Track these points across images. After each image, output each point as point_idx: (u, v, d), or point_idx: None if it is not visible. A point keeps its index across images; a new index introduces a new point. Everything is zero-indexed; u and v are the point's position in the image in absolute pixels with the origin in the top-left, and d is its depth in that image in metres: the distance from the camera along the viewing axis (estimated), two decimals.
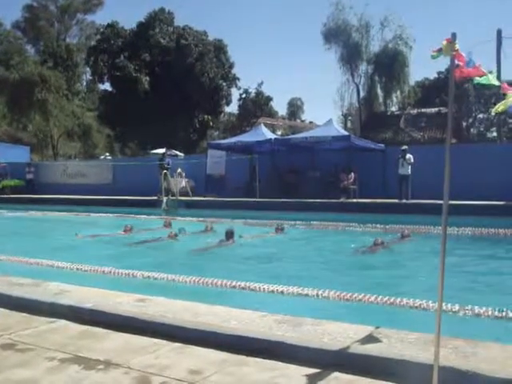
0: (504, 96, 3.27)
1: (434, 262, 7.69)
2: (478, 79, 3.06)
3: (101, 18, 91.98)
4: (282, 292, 6.04)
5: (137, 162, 27.72)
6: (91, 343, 3.92)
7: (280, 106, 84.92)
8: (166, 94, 39.31)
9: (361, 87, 36.80)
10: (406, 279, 8.04)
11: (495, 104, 3.28)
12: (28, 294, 5.09)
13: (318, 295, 5.80)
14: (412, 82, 36.32)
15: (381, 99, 37.05)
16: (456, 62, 2.98)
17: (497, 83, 3.13)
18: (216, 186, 21.49)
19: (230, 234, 11.03)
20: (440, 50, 3.01)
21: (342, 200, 17.84)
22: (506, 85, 3.23)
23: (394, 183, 17.56)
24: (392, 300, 5.41)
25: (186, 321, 4.08)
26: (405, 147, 18.21)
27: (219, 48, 43.93)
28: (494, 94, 31.13)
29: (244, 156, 22.02)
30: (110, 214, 17.85)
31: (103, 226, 15.45)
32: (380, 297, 5.51)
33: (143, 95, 39.90)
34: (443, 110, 32.54)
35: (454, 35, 2.96)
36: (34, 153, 42.93)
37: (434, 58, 3.09)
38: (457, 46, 2.93)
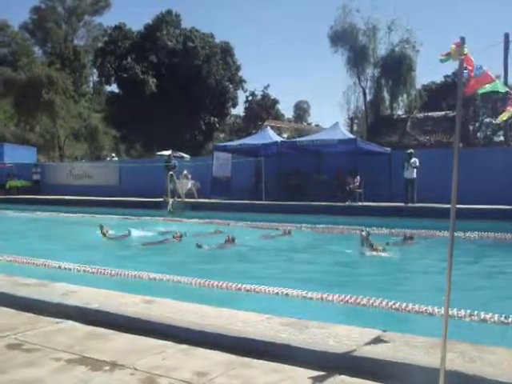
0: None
1: (439, 265, 7.70)
2: (486, 87, 3.02)
3: (108, 19, 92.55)
4: (286, 294, 6.02)
5: (143, 163, 27.80)
6: (97, 344, 3.92)
7: (286, 109, 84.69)
8: (173, 96, 39.39)
9: (367, 90, 36.76)
10: (409, 283, 8.02)
11: (502, 109, 3.24)
12: (34, 294, 5.10)
13: (322, 298, 5.79)
14: (419, 86, 36.16)
15: (387, 103, 36.92)
16: (465, 66, 2.97)
17: (503, 90, 3.11)
18: (222, 188, 21.51)
19: (231, 237, 11.13)
20: (448, 54, 3.00)
21: (347, 203, 17.83)
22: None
23: (399, 187, 17.53)
24: (398, 305, 5.38)
25: (192, 322, 4.08)
26: (410, 151, 18.19)
27: (226, 50, 44.01)
28: (500, 99, 31.09)
29: (250, 158, 22.04)
30: (116, 216, 17.86)
31: (108, 227, 15.44)
32: (385, 301, 5.48)
33: (150, 97, 40.01)
34: (450, 113, 32.44)
35: (462, 39, 2.95)
36: (40, 154, 43.13)
37: (442, 61, 3.08)
38: (465, 50, 2.93)
